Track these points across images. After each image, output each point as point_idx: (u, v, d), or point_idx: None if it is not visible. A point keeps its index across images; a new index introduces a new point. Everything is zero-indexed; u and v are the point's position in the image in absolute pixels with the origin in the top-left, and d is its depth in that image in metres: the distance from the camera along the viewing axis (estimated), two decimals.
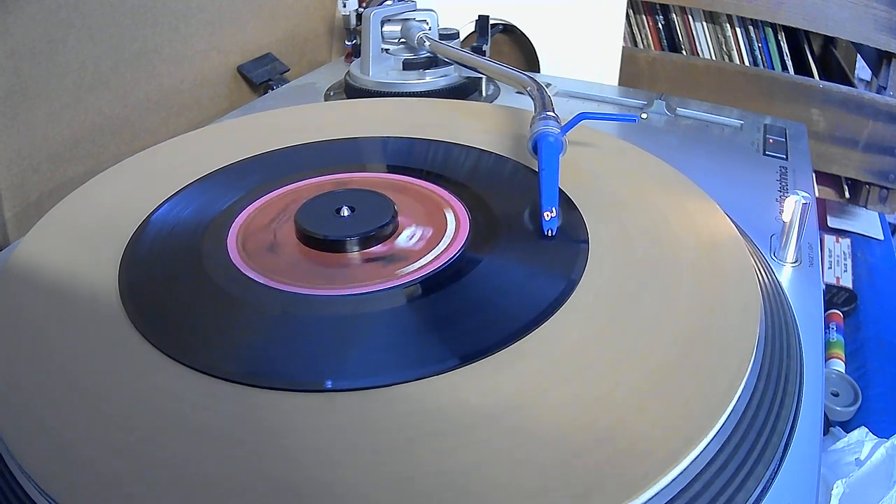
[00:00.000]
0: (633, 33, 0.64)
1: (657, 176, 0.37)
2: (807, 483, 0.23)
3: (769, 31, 0.60)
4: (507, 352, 0.25)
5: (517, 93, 0.53)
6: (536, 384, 0.24)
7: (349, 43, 0.63)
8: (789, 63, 0.60)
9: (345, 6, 0.61)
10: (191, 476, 0.20)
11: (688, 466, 0.21)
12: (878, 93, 0.56)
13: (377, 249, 0.31)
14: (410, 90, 0.52)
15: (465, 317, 0.27)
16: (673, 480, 0.20)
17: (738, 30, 0.60)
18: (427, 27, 0.54)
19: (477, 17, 0.57)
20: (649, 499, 0.20)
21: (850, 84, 0.58)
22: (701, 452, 0.21)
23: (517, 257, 0.31)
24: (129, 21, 0.48)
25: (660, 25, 0.63)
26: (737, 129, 0.50)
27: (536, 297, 0.28)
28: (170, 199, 0.36)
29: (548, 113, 0.36)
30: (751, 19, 0.59)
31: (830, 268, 0.58)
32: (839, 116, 0.56)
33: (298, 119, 0.46)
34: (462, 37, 0.58)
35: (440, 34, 0.55)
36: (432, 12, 0.55)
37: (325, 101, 0.55)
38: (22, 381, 0.24)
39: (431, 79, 0.53)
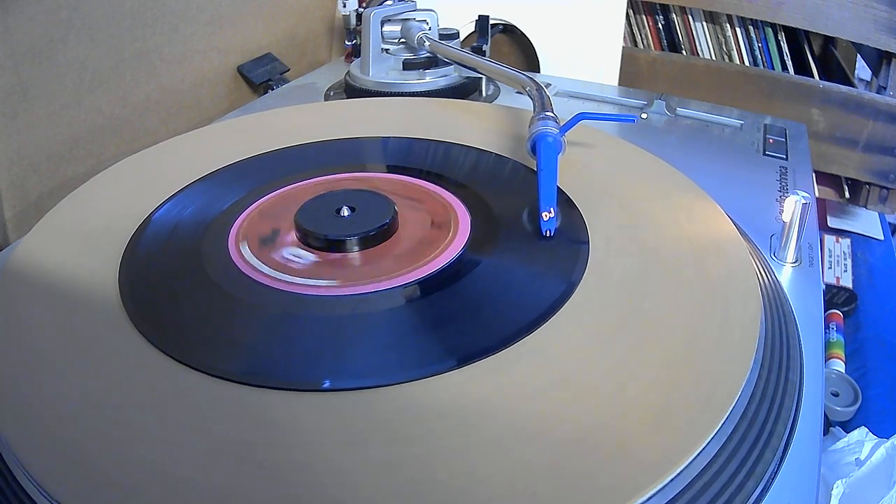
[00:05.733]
0: (633, 33, 0.64)
1: (657, 176, 0.37)
2: (807, 483, 0.23)
3: (769, 31, 0.60)
4: (507, 353, 0.25)
5: (517, 93, 0.53)
6: (536, 385, 0.24)
7: (349, 43, 0.63)
8: (789, 63, 0.60)
9: (345, 6, 0.61)
10: (191, 476, 0.20)
11: (688, 466, 0.21)
12: (878, 93, 0.56)
13: (377, 249, 0.31)
14: (410, 90, 0.52)
15: (464, 317, 0.27)
16: (673, 480, 0.20)
17: (738, 30, 0.60)
18: (427, 27, 0.54)
19: (477, 17, 0.58)
20: (649, 498, 0.20)
21: (850, 84, 0.58)
22: (701, 452, 0.21)
23: (518, 258, 0.31)
24: (129, 21, 0.48)
25: (660, 25, 0.63)
26: (737, 129, 0.50)
27: (536, 297, 0.28)
28: (170, 199, 0.36)
29: (546, 113, 0.36)
30: (751, 19, 0.59)
31: (830, 268, 0.58)
32: (839, 116, 0.56)
33: (298, 119, 0.46)
34: (462, 37, 0.58)
35: (440, 34, 0.55)
36: (432, 12, 0.55)
37: (325, 101, 0.55)
38: (22, 380, 0.24)
39: (431, 79, 0.53)
